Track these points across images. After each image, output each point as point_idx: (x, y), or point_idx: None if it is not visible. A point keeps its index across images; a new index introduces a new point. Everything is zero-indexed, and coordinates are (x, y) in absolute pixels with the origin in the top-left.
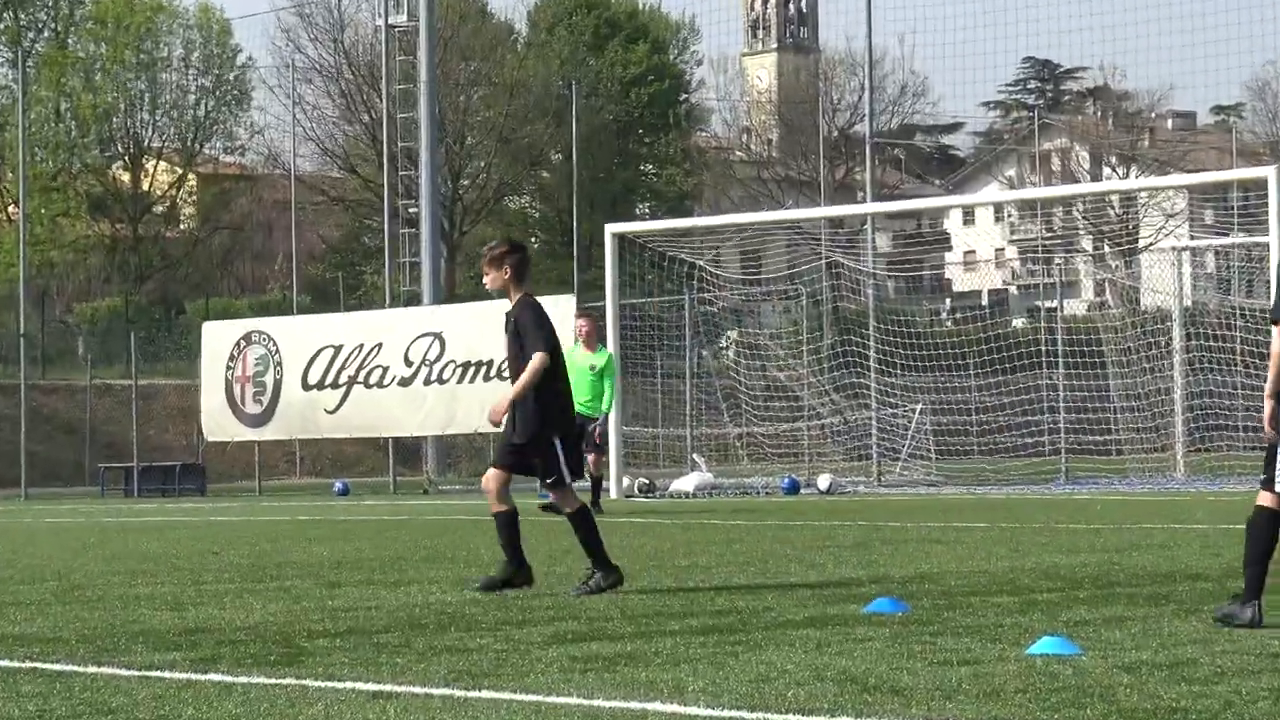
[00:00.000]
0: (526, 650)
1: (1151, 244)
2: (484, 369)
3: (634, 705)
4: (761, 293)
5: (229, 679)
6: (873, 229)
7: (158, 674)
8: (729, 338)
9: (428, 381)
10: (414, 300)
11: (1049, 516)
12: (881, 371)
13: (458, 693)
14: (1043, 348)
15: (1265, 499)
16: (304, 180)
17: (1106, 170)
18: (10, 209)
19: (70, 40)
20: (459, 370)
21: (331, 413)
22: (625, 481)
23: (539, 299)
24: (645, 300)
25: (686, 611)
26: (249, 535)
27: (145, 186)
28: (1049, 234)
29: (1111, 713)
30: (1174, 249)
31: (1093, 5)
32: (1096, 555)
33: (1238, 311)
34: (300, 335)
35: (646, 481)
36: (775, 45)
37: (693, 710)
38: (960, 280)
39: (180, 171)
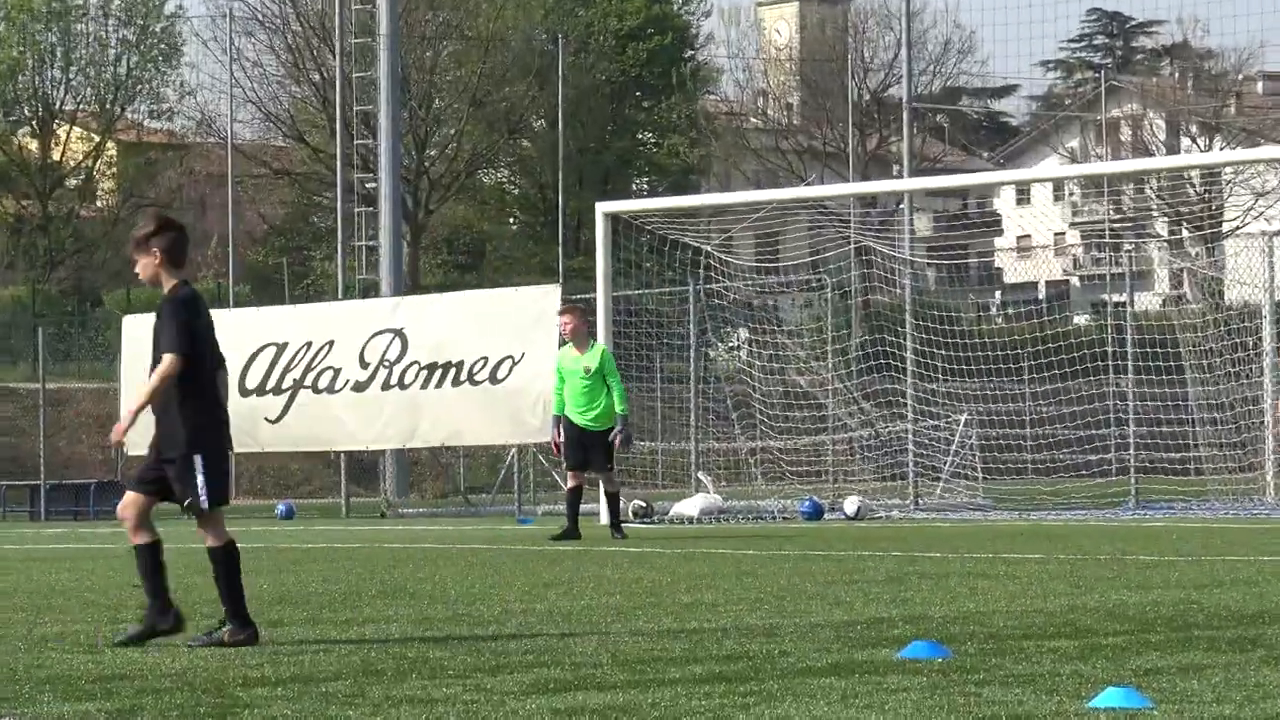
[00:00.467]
0: (501, 702)
1: (1238, 228)
2: (453, 372)
3: None
4: (779, 283)
5: None
6: (910, 209)
7: None
8: (741, 336)
9: (387, 386)
10: (371, 291)
11: (1116, 547)
12: (920, 376)
13: None
14: (1109, 349)
15: None
16: (243, 150)
17: (1185, 141)
18: None
19: None
20: (423, 373)
21: (273, 422)
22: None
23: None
24: (643, 292)
25: (689, 656)
26: (176, 566)
27: (57, 156)
28: (1117, 216)
29: None
30: (1264, 234)
31: None
32: (1171, 592)
33: None
34: (237, 331)
35: (643, 504)
36: None
37: None
38: (1013, 270)
39: (98, 139)
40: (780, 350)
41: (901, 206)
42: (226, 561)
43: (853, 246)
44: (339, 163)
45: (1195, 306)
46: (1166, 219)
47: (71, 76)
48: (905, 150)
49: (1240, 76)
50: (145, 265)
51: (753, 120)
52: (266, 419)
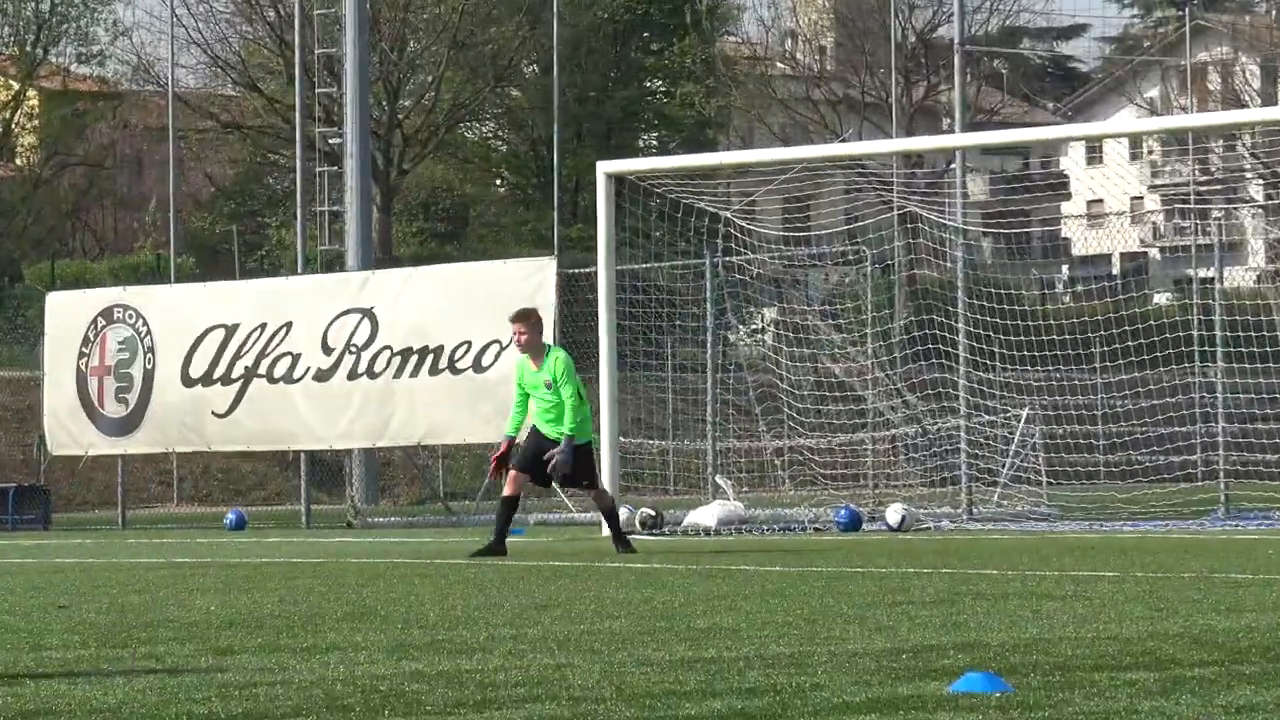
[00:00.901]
0: None
1: None
2: (430, 359)
3: None
4: (810, 256)
5: None
6: (963, 169)
7: None
8: (765, 317)
9: (354, 375)
10: (336, 264)
11: (1202, 564)
12: (974, 364)
13: None
14: (1195, 333)
15: None
16: (186, 100)
17: None
18: None
19: None
20: (397, 360)
21: (222, 417)
22: (623, 513)
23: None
24: (651, 265)
25: (706, 689)
26: (109, 584)
27: None
28: (1204, 178)
29: None
30: None
31: None
32: (1267, 616)
33: None
34: (180, 311)
35: (652, 513)
36: None
37: None
38: (1082, 241)
39: (16, 87)
40: (812, 334)
41: (953, 166)
42: None
43: (896, 213)
44: (298, 115)
45: None
46: (1262, 181)
47: None
48: (957, 101)
49: None
50: None
51: (779, 66)
52: (214, 413)
